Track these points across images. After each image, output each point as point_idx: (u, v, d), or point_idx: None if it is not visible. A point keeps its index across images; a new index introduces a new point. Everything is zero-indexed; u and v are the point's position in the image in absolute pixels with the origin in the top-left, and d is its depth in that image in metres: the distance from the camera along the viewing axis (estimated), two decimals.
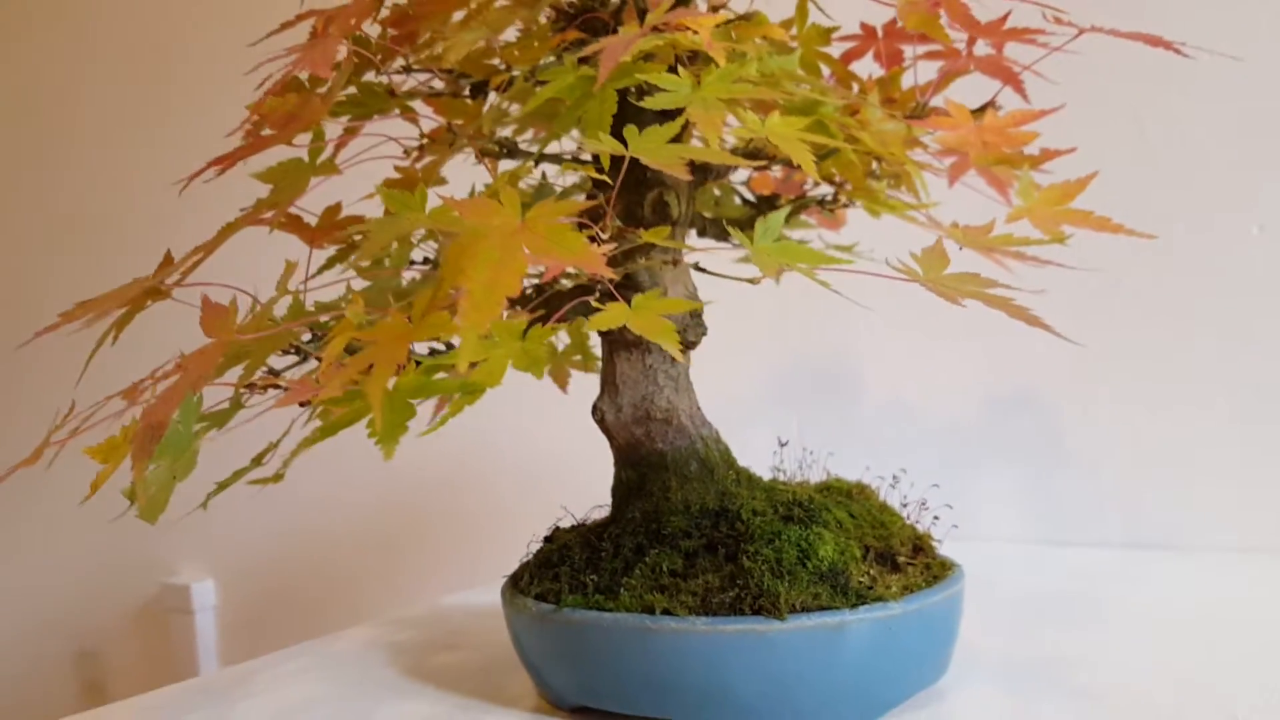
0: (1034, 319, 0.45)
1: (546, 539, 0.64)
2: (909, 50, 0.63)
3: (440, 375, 0.43)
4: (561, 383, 0.78)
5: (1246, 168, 0.88)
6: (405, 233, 0.42)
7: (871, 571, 0.55)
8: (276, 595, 1.46)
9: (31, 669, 1.67)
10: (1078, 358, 0.94)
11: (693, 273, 0.63)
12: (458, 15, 0.56)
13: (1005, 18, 0.58)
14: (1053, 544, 0.95)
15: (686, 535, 0.57)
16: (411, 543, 1.33)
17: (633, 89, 0.49)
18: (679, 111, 0.45)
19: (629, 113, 0.49)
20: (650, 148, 0.42)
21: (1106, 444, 0.93)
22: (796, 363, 1.07)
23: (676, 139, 0.45)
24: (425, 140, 0.56)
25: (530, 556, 0.63)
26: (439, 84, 0.61)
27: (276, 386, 0.56)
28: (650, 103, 0.44)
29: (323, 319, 0.57)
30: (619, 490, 0.62)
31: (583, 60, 0.48)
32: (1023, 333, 0.51)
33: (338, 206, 0.63)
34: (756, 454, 0.67)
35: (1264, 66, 0.87)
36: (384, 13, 0.59)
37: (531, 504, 0.72)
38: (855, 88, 0.65)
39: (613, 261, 0.51)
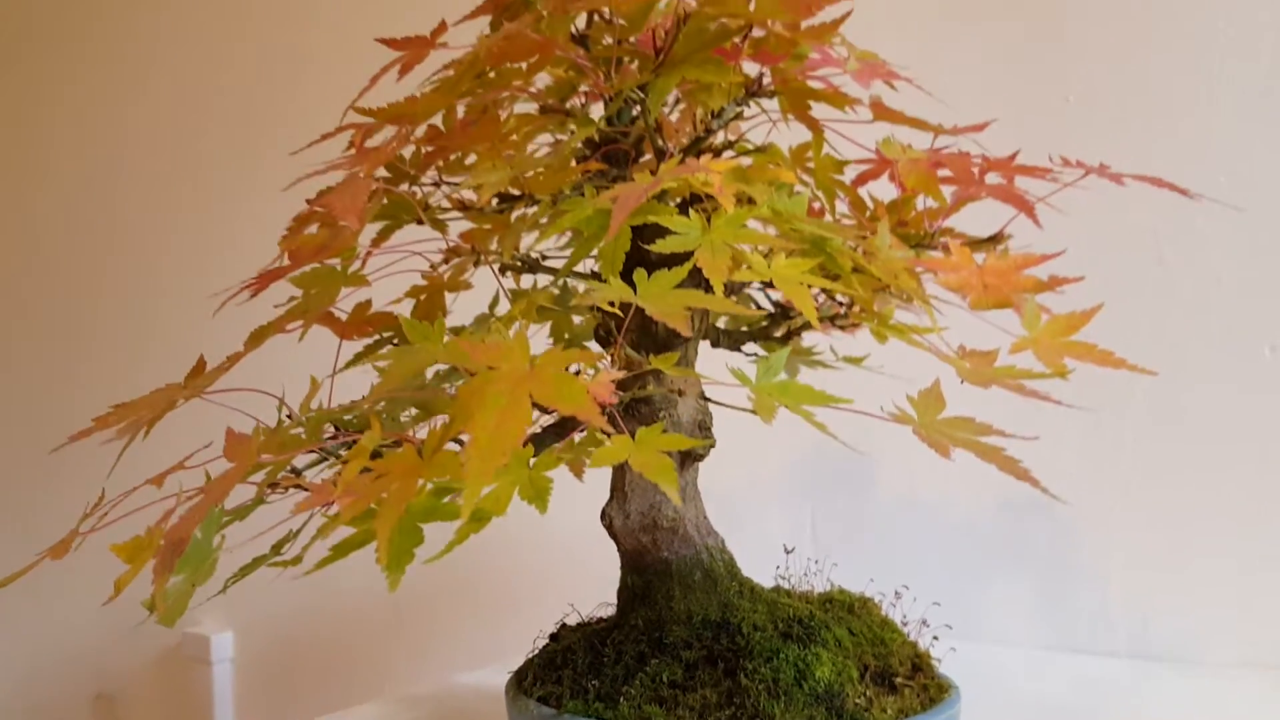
0: (1023, 473, 0.47)
1: (552, 637, 0.66)
2: None
3: (449, 498, 0.45)
4: (577, 471, 0.80)
5: (1259, 290, 0.89)
6: (422, 366, 0.45)
7: (868, 693, 0.56)
8: (293, 652, 1.47)
9: (50, 707, 1.70)
10: (1091, 467, 0.94)
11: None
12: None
13: (1014, 155, 0.60)
14: (1059, 650, 0.95)
15: (687, 646, 0.58)
16: (430, 609, 1.35)
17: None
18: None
19: (644, 243, 0.51)
20: (656, 294, 0.44)
21: (1116, 552, 0.94)
22: (814, 454, 1.08)
23: (688, 278, 0.47)
24: (449, 253, 0.58)
25: (535, 654, 0.65)
26: (469, 194, 0.63)
27: (299, 487, 0.58)
28: (660, 246, 0.46)
29: (346, 417, 0.59)
30: (624, 594, 0.63)
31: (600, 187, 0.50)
32: (1037, 439, 0.52)
33: (367, 304, 0.66)
34: (771, 539, 0.68)
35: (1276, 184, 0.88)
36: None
37: (555, 583, 0.74)
38: (869, 210, 0.67)
39: (622, 386, 0.52)
